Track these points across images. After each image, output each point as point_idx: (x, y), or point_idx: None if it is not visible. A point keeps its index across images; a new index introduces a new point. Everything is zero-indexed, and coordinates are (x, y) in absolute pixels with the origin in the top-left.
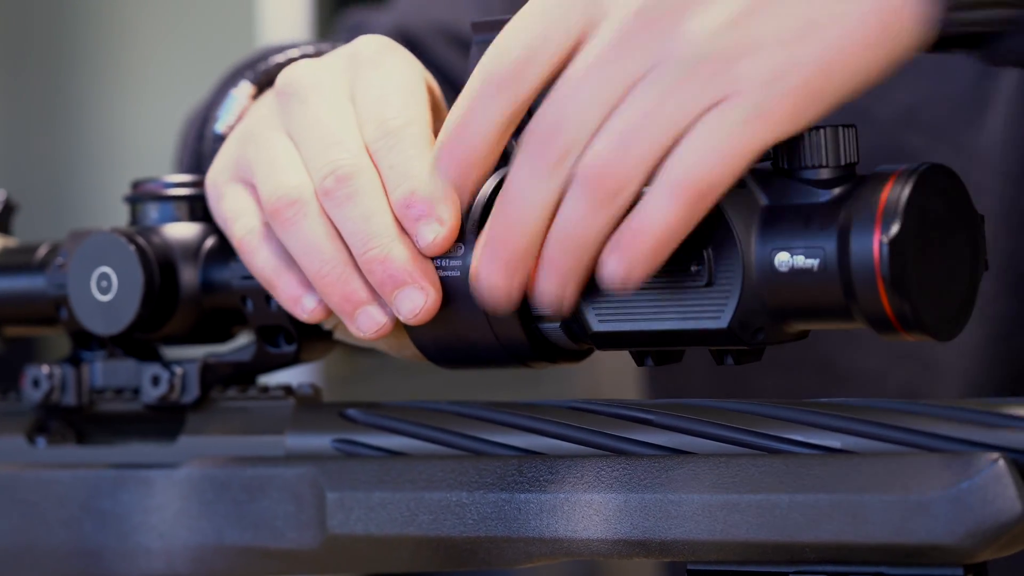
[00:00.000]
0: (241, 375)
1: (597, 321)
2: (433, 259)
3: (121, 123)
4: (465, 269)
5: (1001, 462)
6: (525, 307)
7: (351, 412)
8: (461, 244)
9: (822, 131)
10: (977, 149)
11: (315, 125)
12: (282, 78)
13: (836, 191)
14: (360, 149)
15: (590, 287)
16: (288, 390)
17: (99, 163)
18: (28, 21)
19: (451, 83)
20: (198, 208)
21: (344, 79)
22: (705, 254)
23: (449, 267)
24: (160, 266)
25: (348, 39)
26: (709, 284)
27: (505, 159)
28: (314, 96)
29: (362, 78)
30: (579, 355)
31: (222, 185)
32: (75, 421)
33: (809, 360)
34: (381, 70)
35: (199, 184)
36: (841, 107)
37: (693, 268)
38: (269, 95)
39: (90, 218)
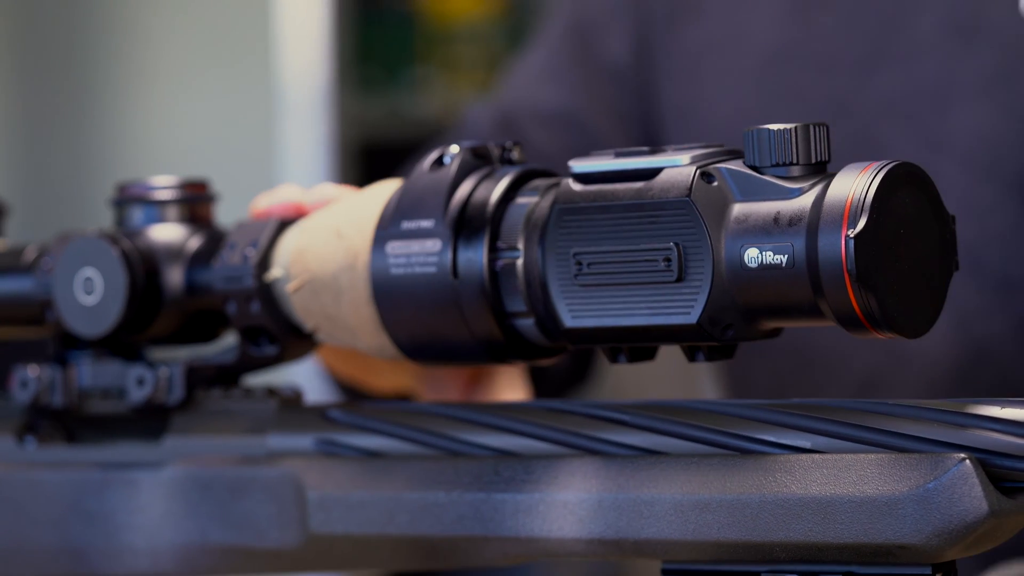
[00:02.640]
0: (225, 376)
1: (570, 317)
2: (410, 255)
3: (135, 125)
4: (442, 265)
5: (967, 462)
6: (499, 304)
7: (332, 413)
8: (438, 240)
9: (793, 129)
10: (945, 138)
11: None
12: None
13: (806, 188)
14: None
15: (564, 282)
16: (271, 391)
17: (112, 165)
18: (41, 23)
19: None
20: (183, 211)
21: None
22: (676, 249)
23: (425, 263)
24: (144, 268)
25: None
26: (679, 279)
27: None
28: None
29: None
30: (555, 352)
31: None
32: (64, 421)
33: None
34: None
35: (183, 187)
36: (818, 99)
37: (663, 263)
38: None
39: (104, 220)
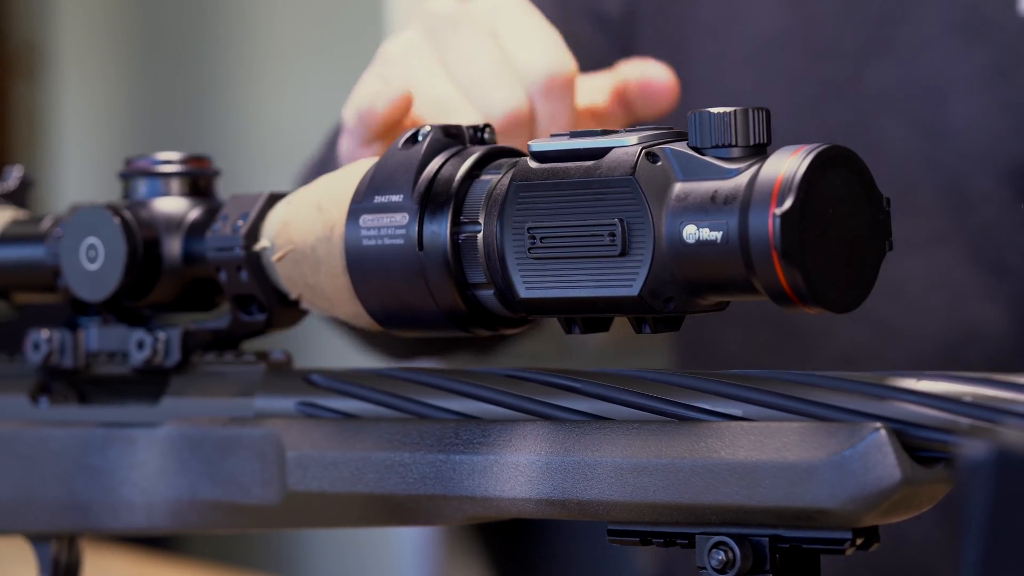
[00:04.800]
0: (219, 341)
1: (524, 288)
2: (380, 227)
3: (249, 118)
4: (409, 237)
5: (882, 431)
6: (462, 275)
7: (315, 377)
8: (406, 214)
9: (732, 112)
10: (945, 131)
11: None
12: None
13: (743, 168)
14: None
15: (519, 255)
16: (261, 355)
17: (227, 154)
18: (164, 21)
19: None
20: (185, 184)
21: None
22: (620, 225)
23: (393, 235)
24: (144, 238)
25: None
26: (623, 254)
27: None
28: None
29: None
30: (517, 323)
31: None
32: (76, 382)
33: (768, 318)
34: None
35: (186, 162)
36: (813, 85)
37: (608, 238)
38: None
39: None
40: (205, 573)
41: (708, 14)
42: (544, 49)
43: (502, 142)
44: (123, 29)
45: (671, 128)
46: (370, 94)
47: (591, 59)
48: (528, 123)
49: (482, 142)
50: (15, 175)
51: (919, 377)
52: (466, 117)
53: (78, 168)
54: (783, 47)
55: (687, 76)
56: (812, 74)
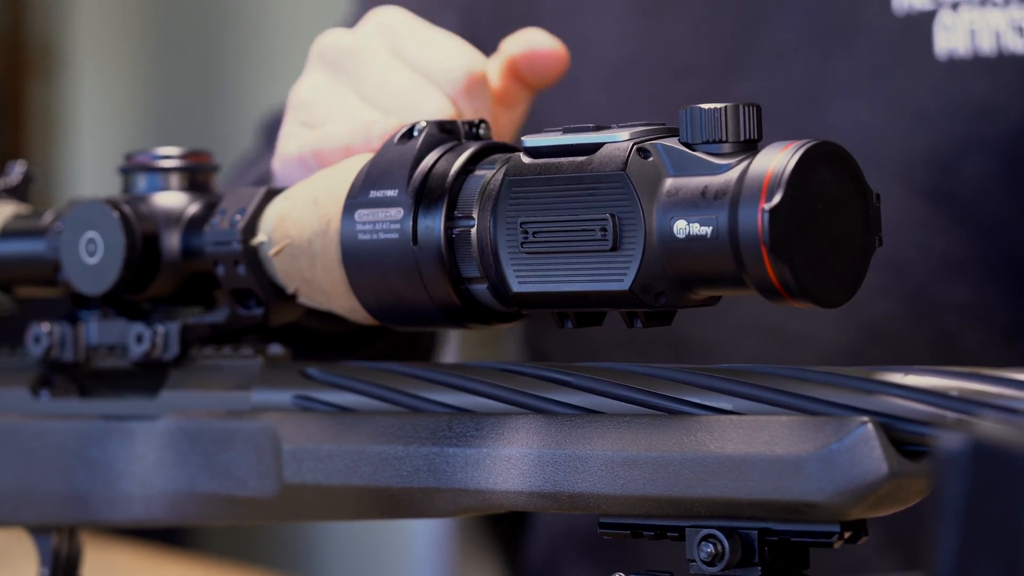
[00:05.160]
0: (218, 335)
1: (517, 283)
2: (375, 222)
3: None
4: (404, 232)
5: (869, 426)
6: (455, 269)
7: (310, 371)
8: (401, 208)
9: (723, 108)
10: (825, 133)
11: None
12: None
13: (733, 164)
14: None
15: (512, 249)
16: (258, 349)
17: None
18: (180, 15)
19: None
20: (184, 179)
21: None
22: (611, 220)
23: (388, 230)
24: (143, 232)
25: None
26: (614, 248)
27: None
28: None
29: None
30: (510, 317)
31: None
32: (76, 376)
33: (662, 336)
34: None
35: (185, 157)
36: (676, 104)
37: (600, 233)
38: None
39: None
40: (210, 568)
41: None
42: (453, 51)
43: None
44: (138, 28)
45: (663, 124)
46: (300, 145)
47: None
48: None
49: (476, 138)
50: (18, 170)
51: (906, 372)
52: None
53: (93, 166)
54: (639, 69)
55: (539, 104)
56: (672, 93)
